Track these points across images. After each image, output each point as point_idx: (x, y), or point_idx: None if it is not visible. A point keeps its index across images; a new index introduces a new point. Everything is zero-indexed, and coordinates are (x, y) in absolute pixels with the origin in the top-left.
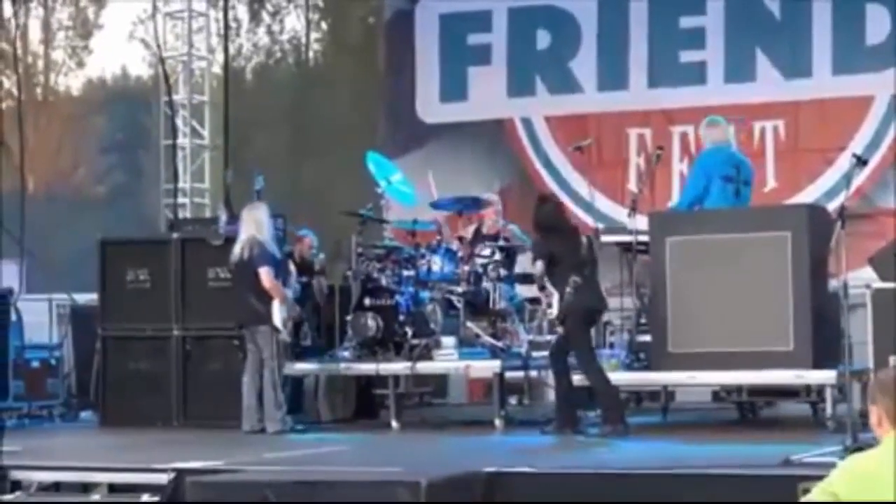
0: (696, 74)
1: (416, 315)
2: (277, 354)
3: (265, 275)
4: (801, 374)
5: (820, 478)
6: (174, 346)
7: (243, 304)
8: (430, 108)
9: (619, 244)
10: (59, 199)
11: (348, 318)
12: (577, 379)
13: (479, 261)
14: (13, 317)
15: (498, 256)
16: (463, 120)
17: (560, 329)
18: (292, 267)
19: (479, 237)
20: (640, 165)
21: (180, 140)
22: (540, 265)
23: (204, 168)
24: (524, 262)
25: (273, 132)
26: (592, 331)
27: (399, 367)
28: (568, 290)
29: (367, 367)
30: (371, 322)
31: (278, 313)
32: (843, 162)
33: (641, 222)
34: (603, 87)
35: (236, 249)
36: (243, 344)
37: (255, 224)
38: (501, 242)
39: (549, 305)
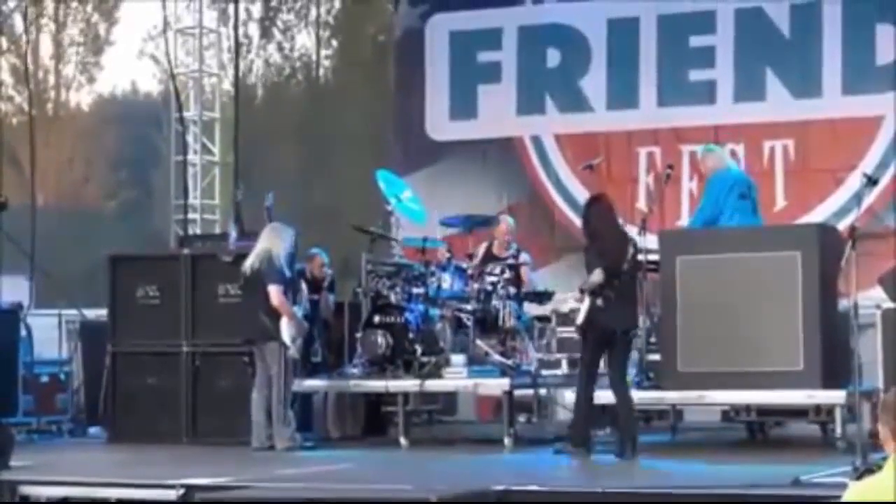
0: (706, 93)
1: (425, 332)
2: (286, 371)
3: (274, 293)
4: (811, 393)
5: (829, 498)
6: (184, 362)
7: (252, 320)
8: (440, 125)
9: None
10: (70, 215)
11: (358, 335)
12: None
13: (489, 279)
14: (23, 332)
15: (508, 275)
16: (473, 138)
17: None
18: (303, 285)
19: (489, 256)
20: (650, 184)
21: (191, 156)
22: (599, 274)
23: (214, 184)
24: (534, 283)
25: (283, 149)
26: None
27: (408, 384)
28: (598, 302)
29: (377, 385)
30: (380, 339)
31: (287, 329)
32: (853, 182)
33: (651, 241)
34: (612, 106)
35: (248, 260)
36: (252, 360)
37: (274, 240)
38: (511, 261)
39: (577, 311)
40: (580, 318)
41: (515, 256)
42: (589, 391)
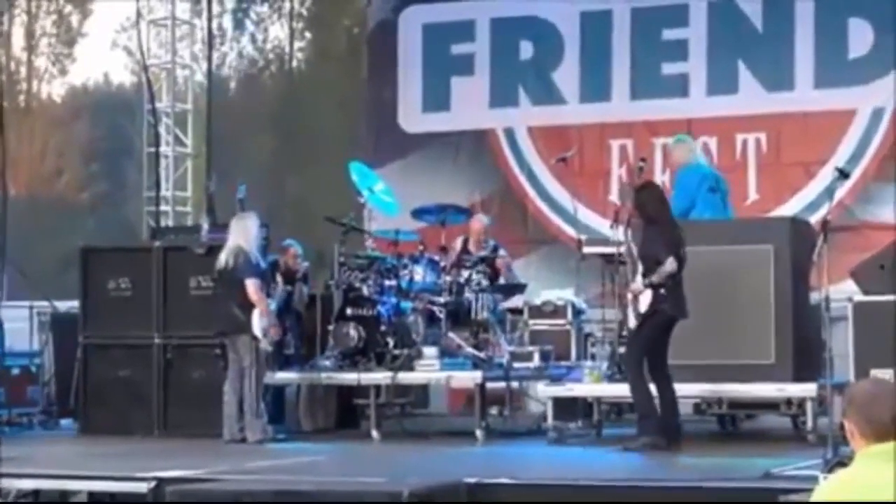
0: (679, 86)
1: (397, 325)
2: (258, 363)
3: (252, 286)
4: (782, 386)
5: (800, 491)
6: (155, 354)
7: (224, 313)
8: (413, 117)
9: (601, 255)
10: (42, 207)
11: (330, 327)
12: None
13: (465, 273)
14: None
15: (481, 267)
16: (445, 130)
17: (633, 324)
18: (278, 277)
19: (465, 253)
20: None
21: (163, 148)
22: (672, 263)
23: (186, 176)
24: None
25: (256, 141)
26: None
27: (380, 377)
28: (662, 292)
29: (349, 377)
30: (353, 332)
31: (258, 322)
32: (826, 175)
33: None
34: (585, 99)
35: (222, 257)
36: (224, 352)
37: (243, 234)
38: (483, 253)
39: (636, 299)
40: (643, 307)
41: (494, 251)
42: (645, 381)
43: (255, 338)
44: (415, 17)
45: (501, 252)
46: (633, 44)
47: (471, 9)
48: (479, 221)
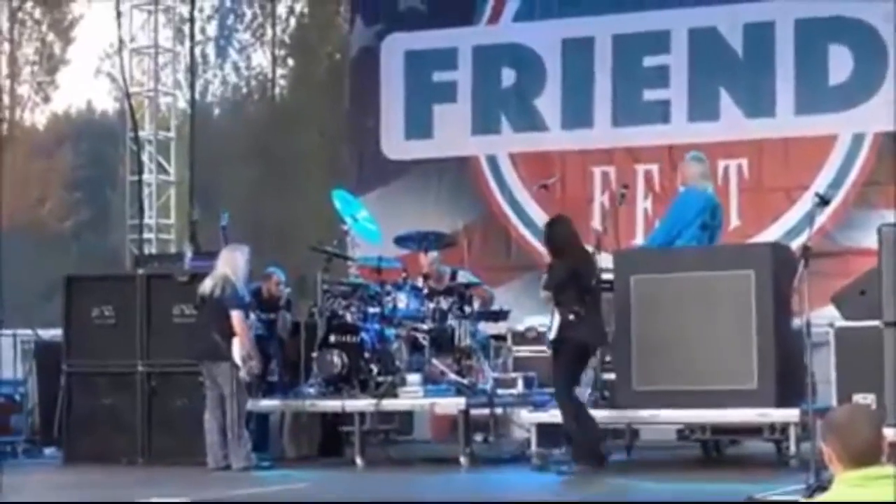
0: (660, 113)
1: (381, 352)
2: (238, 390)
3: (237, 319)
4: (765, 412)
5: None
6: (139, 382)
7: (205, 339)
8: (396, 145)
9: None
10: (25, 235)
11: (314, 354)
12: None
13: (447, 299)
14: None
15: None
16: (428, 157)
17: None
18: (251, 314)
19: (432, 293)
20: (604, 203)
21: (146, 176)
22: (544, 294)
23: (169, 204)
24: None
25: (239, 168)
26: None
27: (364, 404)
28: (570, 317)
29: (333, 404)
30: (336, 359)
31: (238, 350)
32: (807, 201)
33: (606, 260)
34: (567, 125)
35: (208, 283)
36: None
37: (231, 264)
38: (462, 279)
39: (549, 329)
40: (552, 334)
41: (453, 277)
42: (577, 406)
43: (235, 366)
44: (397, 45)
45: (462, 273)
46: (614, 70)
47: (453, 36)
48: (423, 257)
